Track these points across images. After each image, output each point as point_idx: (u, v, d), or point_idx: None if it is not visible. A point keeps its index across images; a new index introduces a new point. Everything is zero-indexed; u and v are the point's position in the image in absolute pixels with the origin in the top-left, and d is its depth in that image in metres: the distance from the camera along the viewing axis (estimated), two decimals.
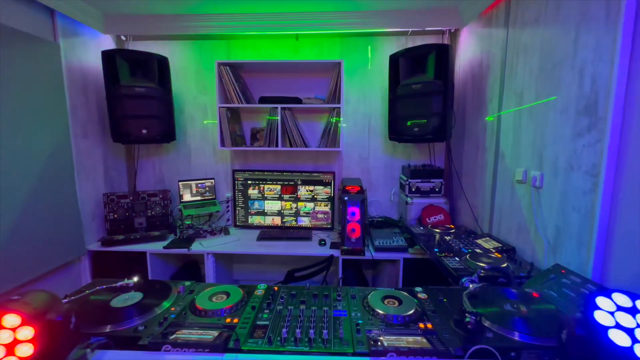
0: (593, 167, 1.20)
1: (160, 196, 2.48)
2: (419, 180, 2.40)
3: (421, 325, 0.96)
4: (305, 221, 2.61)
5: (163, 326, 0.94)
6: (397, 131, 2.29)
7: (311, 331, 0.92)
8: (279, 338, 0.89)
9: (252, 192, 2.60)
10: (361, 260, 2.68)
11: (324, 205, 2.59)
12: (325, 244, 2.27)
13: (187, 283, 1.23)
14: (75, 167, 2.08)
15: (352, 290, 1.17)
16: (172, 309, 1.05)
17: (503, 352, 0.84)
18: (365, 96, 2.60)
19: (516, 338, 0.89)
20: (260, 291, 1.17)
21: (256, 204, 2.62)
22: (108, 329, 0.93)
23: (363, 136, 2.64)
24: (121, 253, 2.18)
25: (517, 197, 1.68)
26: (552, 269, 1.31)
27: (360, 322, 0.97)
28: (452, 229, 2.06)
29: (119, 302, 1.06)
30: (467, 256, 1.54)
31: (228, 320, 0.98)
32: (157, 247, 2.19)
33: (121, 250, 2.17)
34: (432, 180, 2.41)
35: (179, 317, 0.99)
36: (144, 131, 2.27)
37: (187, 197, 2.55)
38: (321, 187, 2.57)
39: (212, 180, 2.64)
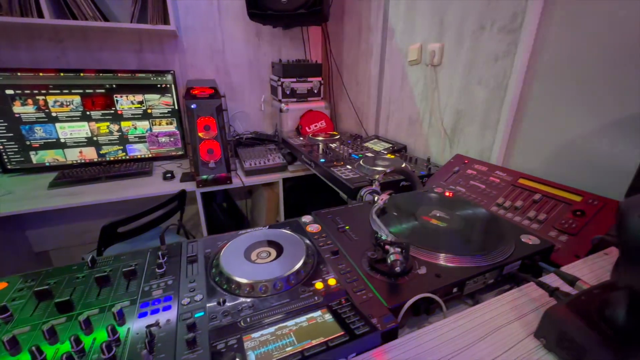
0: (513, 19, 0.91)
1: None
2: (294, 80, 1.86)
3: (318, 285, 0.52)
4: (141, 149, 1.77)
5: None
6: (257, 2, 1.58)
7: None
8: None
9: (24, 110, 1.51)
10: (233, 190, 2.13)
11: (167, 124, 1.78)
12: (172, 177, 1.57)
13: None
14: None
15: (178, 248, 0.61)
16: None
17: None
18: None
19: (468, 265, 0.56)
20: None
21: (39, 131, 1.56)
22: None
23: (211, 14, 1.79)
24: None
25: (408, 85, 1.37)
26: (453, 161, 1.09)
27: (199, 315, 0.45)
28: (336, 135, 1.69)
29: None
30: (361, 162, 1.18)
31: None
32: None
33: None
34: (309, 79, 1.91)
35: None
36: None
37: None
38: (156, 97, 1.71)
39: None
